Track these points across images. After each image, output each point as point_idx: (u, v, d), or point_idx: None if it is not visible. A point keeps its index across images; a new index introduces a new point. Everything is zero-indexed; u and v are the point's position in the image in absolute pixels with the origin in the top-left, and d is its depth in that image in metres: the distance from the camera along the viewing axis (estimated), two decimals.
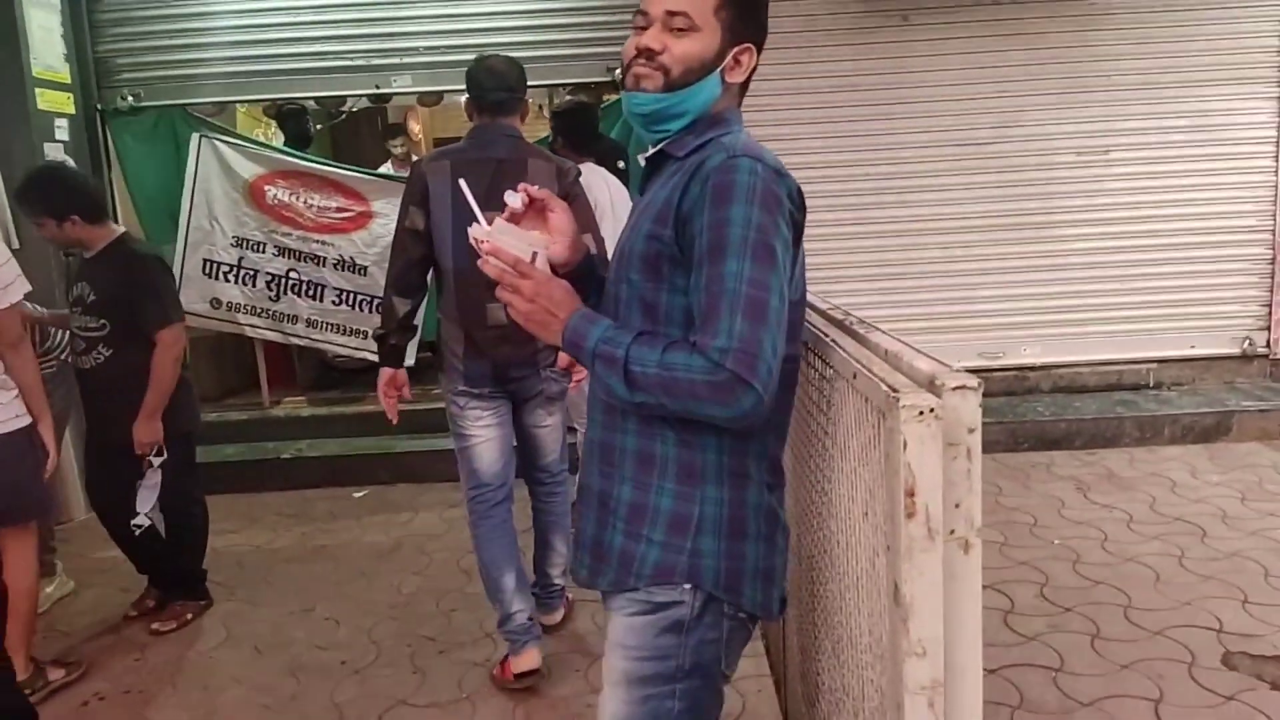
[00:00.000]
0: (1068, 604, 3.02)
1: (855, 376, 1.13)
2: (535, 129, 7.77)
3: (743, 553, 1.30)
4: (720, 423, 1.18)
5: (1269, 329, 5.11)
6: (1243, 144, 5.00)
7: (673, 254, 1.25)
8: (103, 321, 3.01)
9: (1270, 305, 5.10)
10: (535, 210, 1.43)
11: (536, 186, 1.41)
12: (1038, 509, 3.87)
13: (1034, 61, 4.93)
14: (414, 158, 6.81)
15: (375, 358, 5.06)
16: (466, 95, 2.83)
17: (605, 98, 4.97)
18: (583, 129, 3.82)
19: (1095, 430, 4.67)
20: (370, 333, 3.18)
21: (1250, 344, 5.12)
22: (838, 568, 1.35)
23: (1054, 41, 4.91)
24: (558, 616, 3.09)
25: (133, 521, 3.08)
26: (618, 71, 4.85)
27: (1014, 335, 5.09)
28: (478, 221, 1.34)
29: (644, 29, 1.31)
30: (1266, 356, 5.13)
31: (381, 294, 4.97)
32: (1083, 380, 5.11)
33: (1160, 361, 5.11)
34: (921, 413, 0.89)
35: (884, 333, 1.23)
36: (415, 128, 8.08)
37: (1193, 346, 5.12)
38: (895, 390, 0.94)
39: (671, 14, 1.28)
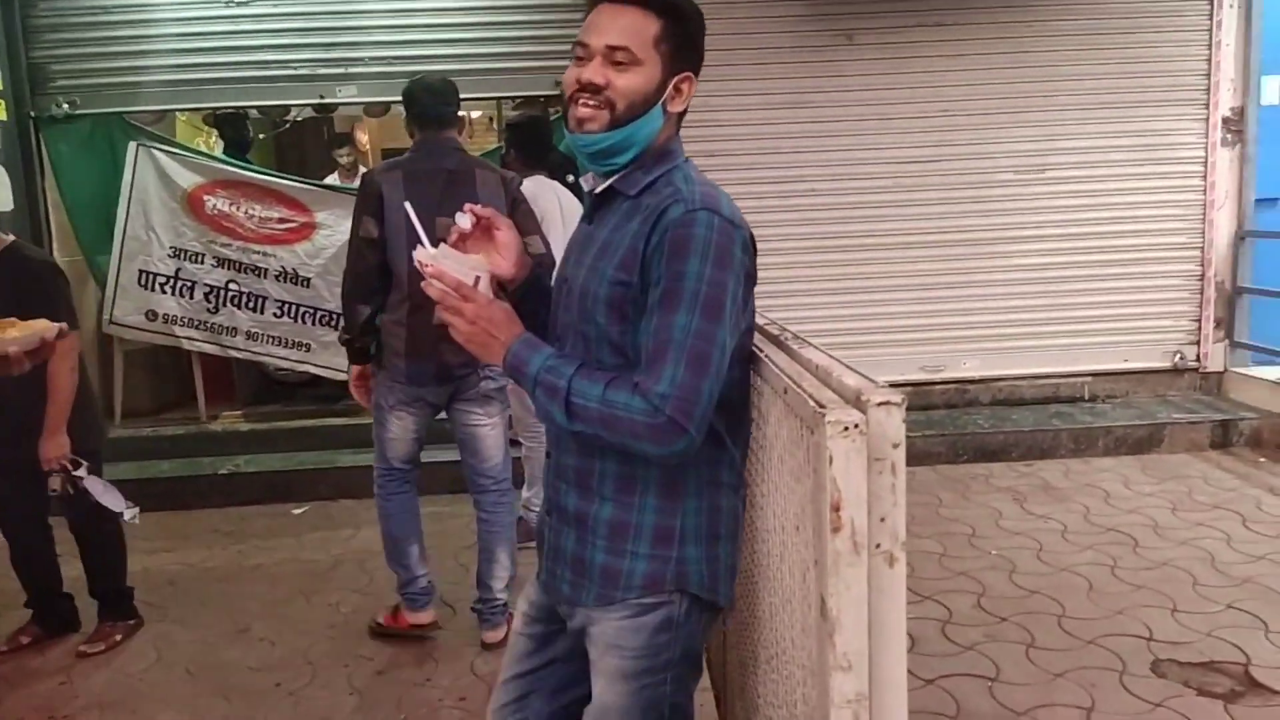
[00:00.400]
0: (1004, 614, 3.07)
1: (786, 392, 1.14)
2: (485, 141, 7.76)
3: (717, 554, 1.39)
4: (651, 458, 1.26)
5: (1198, 344, 5.28)
6: (1174, 163, 5.18)
7: (638, 300, 1.29)
8: None
9: (1200, 320, 5.27)
10: (482, 228, 1.47)
11: (484, 197, 1.44)
12: (976, 520, 3.93)
13: (975, 81, 5.06)
14: (361, 168, 6.75)
15: (317, 370, 5.07)
16: (406, 114, 3.01)
17: (553, 110, 4.97)
18: (535, 141, 3.84)
19: (1032, 442, 4.77)
20: (337, 338, 3.27)
21: (1181, 358, 5.29)
22: (771, 582, 1.37)
23: (995, 62, 5.05)
24: (500, 634, 3.03)
25: (125, 518, 3.01)
26: None
27: (954, 349, 5.19)
28: (421, 244, 1.36)
29: (584, 60, 1.32)
30: (1196, 370, 5.30)
31: (324, 305, 5.01)
32: (1020, 393, 5.22)
33: (1095, 375, 5.25)
34: (846, 428, 0.90)
35: (816, 348, 1.25)
36: (362, 138, 7.99)
37: (1126, 360, 5.27)
38: (821, 406, 0.95)
39: (613, 49, 1.30)
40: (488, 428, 3.07)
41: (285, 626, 3.26)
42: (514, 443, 4.40)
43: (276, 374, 5.56)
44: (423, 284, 1.32)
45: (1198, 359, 5.29)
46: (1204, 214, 5.22)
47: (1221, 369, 5.28)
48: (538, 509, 3.84)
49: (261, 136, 6.77)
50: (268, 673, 2.94)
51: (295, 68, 4.95)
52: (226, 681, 2.89)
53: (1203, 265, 5.24)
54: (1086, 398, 5.23)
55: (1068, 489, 4.31)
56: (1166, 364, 5.30)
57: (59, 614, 3.22)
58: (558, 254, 3.62)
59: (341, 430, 5.04)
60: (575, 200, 3.80)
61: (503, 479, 3.14)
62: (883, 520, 0.94)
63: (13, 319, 1.29)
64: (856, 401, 0.96)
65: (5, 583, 3.52)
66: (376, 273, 2.81)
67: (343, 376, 5.12)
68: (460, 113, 3.06)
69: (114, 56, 4.86)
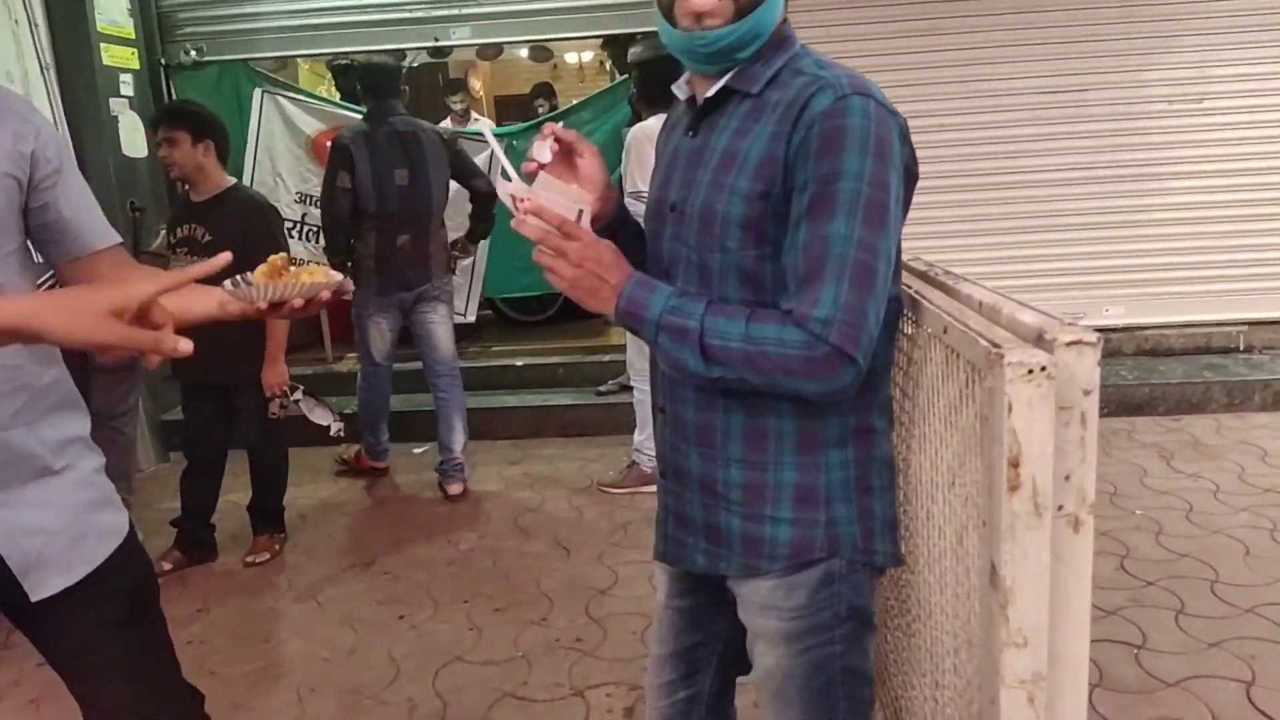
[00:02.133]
0: (1150, 577, 2.87)
1: (946, 331, 1.01)
2: (597, 84, 7.64)
3: (871, 510, 1.22)
4: (810, 396, 1.09)
5: None
6: None
7: (780, 213, 1.11)
8: None
9: None
10: (562, 154, 1.27)
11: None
12: (1119, 477, 3.68)
13: (1127, 4, 4.62)
14: (474, 115, 6.76)
15: None
16: (359, 87, 4.05)
17: None
18: (661, 80, 3.71)
19: (1181, 395, 4.43)
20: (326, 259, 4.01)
21: None
22: (915, 541, 1.24)
23: None
24: (459, 487, 3.96)
25: (331, 432, 3.55)
26: None
27: (1096, 295, 4.84)
28: (507, 177, 1.20)
29: None
30: None
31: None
32: (1169, 343, 4.85)
33: (1251, 324, 4.82)
34: (1031, 371, 0.78)
35: (975, 284, 1.11)
36: (476, 84, 8.00)
37: None
38: (997, 345, 0.83)
39: None
40: (438, 324, 3.99)
41: (407, 562, 3.34)
42: (625, 388, 4.39)
43: None
44: (513, 222, 1.14)
45: None
46: None
47: None
48: (650, 453, 3.80)
49: None
50: (392, 605, 3.02)
51: (411, 10, 4.95)
52: (353, 613, 2.98)
53: None
54: (1241, 348, 4.81)
55: (1220, 446, 3.99)
56: None
57: (201, 541, 3.39)
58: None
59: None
60: None
61: (454, 367, 4.07)
62: (1067, 479, 0.82)
63: (311, 265, 1.27)
64: (1039, 341, 0.84)
65: (145, 513, 3.73)
66: (350, 214, 3.73)
67: (461, 319, 5.21)
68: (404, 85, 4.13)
69: (237, 3, 4.95)
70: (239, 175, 4.96)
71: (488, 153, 5.00)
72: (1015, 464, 0.79)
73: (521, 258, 5.03)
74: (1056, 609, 0.83)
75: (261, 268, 1.25)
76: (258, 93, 4.93)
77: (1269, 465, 3.74)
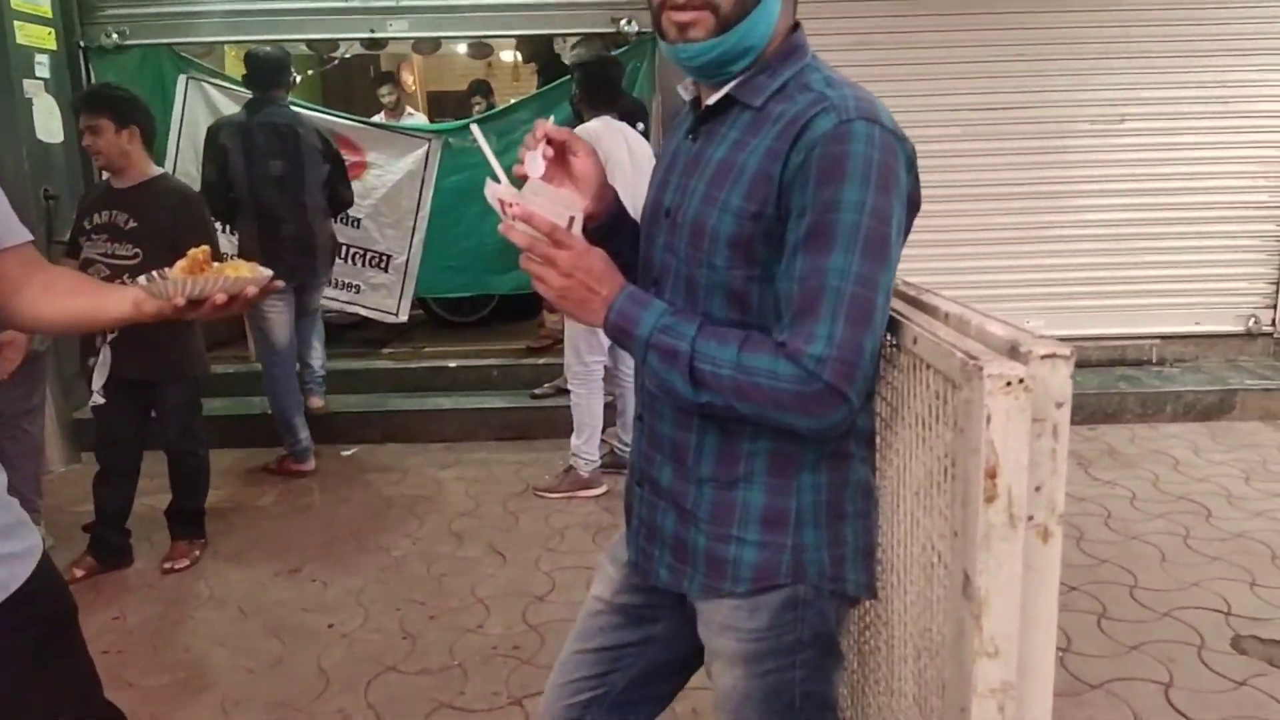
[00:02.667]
0: (1074, 582, 2.96)
1: (915, 341, 1.02)
2: (531, 83, 7.59)
3: (843, 536, 1.17)
4: (799, 431, 1.06)
5: (1275, 307, 5.04)
6: (1258, 117, 4.88)
7: (772, 235, 1.06)
8: (137, 251, 2.97)
9: (1277, 283, 5.02)
10: (554, 155, 1.21)
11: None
12: None
13: (1051, 25, 4.79)
14: (407, 108, 6.64)
15: (366, 312, 5.05)
16: (244, 78, 4.12)
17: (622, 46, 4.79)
18: (602, 82, 3.72)
19: (1097, 405, 4.61)
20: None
21: (1255, 322, 5.05)
22: (883, 551, 1.24)
23: (1072, 3, 4.76)
24: (321, 401, 4.47)
25: (92, 403, 3.18)
26: (624, 22, 4.69)
27: (1017, 307, 4.99)
28: (494, 179, 1.14)
29: None
30: (1271, 335, 5.07)
31: (374, 246, 4.97)
32: (1085, 354, 5.02)
33: (1164, 337, 5.04)
34: (1009, 383, 0.79)
35: (940, 295, 1.12)
36: (409, 79, 7.86)
37: (1198, 323, 5.05)
38: (974, 358, 0.84)
39: None
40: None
41: (336, 568, 3.24)
42: (561, 390, 4.34)
43: (326, 315, 5.52)
44: (501, 227, 1.09)
45: (1273, 323, 5.05)
46: None
47: None
48: (587, 457, 3.78)
49: (310, 73, 6.66)
50: (320, 613, 2.92)
51: (345, 0, 4.83)
52: (279, 621, 2.88)
53: None
54: (1154, 361, 5.03)
55: (1134, 455, 4.15)
56: (1240, 328, 5.06)
57: (116, 546, 3.24)
58: (627, 203, 3.64)
59: (389, 374, 5.02)
60: (645, 144, 3.71)
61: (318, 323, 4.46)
62: (1038, 489, 0.83)
63: (236, 260, 1.19)
64: (1013, 353, 0.85)
65: (58, 516, 3.55)
66: (227, 203, 3.84)
67: (393, 319, 5.10)
68: (293, 78, 4.30)
69: None
70: (160, 163, 4.77)
71: (419, 153, 4.91)
72: (992, 475, 0.80)
73: (456, 257, 5.06)
74: (1026, 619, 0.84)
75: (181, 262, 1.18)
76: (182, 79, 4.75)
77: (1180, 474, 3.90)
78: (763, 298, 1.09)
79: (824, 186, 1.01)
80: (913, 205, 1.12)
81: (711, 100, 1.15)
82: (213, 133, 3.88)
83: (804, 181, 1.03)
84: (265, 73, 3.95)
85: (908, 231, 1.12)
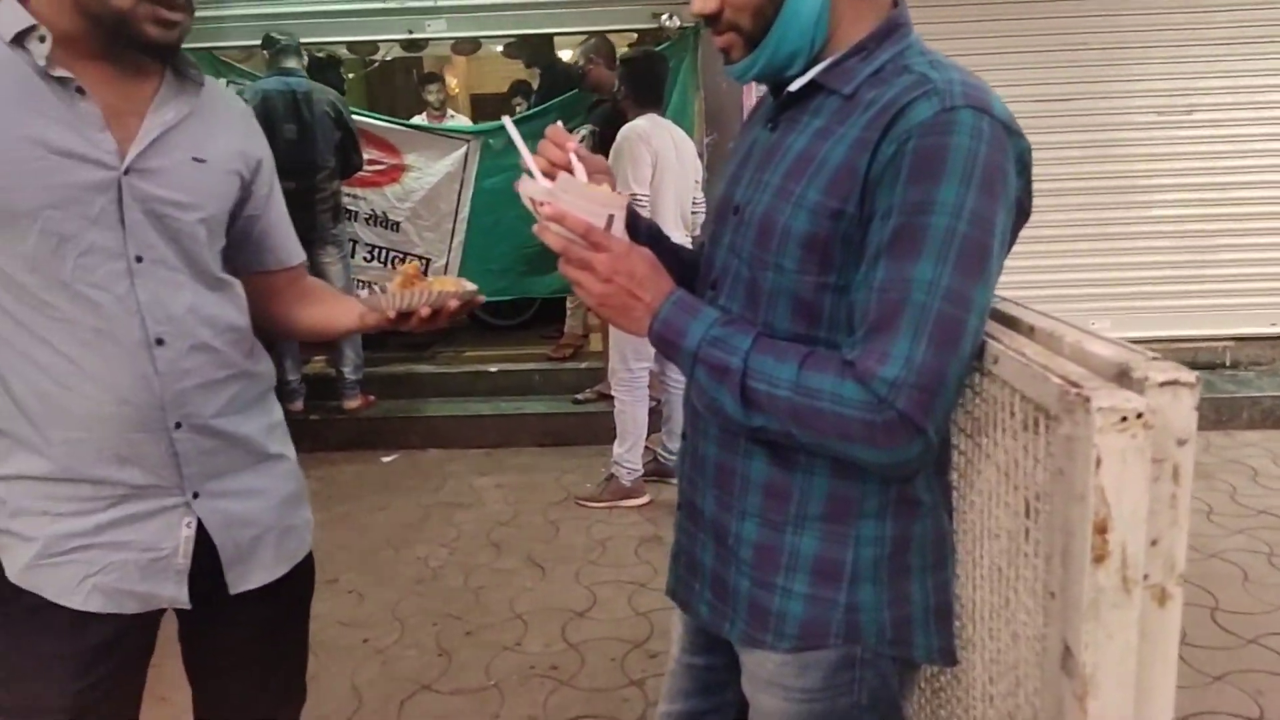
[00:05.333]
0: None
1: (996, 361, 0.88)
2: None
3: (907, 594, 1.01)
4: (867, 467, 0.92)
5: None
6: None
7: (852, 239, 0.93)
8: None
9: None
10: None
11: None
12: None
13: (1119, 11, 4.56)
14: (449, 110, 6.58)
15: None
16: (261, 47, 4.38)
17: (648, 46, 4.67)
18: (648, 79, 3.61)
19: None
20: None
21: None
22: (960, 607, 1.06)
23: None
24: (356, 402, 4.64)
25: None
26: (664, 17, 4.57)
27: (1082, 309, 4.75)
28: (529, 174, 1.04)
29: None
30: None
31: (413, 249, 4.90)
32: None
33: (1239, 339, 4.77)
34: (1125, 419, 0.64)
35: (1023, 305, 0.97)
36: (452, 81, 7.82)
37: (1274, 324, 4.77)
38: (1077, 385, 0.70)
39: None
40: (329, 264, 4.40)
41: (373, 579, 3.16)
42: (604, 396, 4.23)
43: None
44: (535, 228, 0.99)
45: None
46: None
47: None
48: (630, 466, 3.68)
49: (350, 76, 6.64)
50: (356, 628, 2.84)
51: (385, 1, 4.77)
52: (314, 636, 2.73)
53: None
54: (1229, 365, 4.76)
55: (1210, 465, 3.91)
56: None
57: None
58: (668, 203, 3.56)
59: (431, 378, 4.96)
60: (690, 143, 3.63)
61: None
62: (1155, 544, 0.69)
63: (445, 276, 1.27)
64: (1123, 379, 0.70)
65: None
66: None
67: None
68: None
69: None
70: None
71: (458, 154, 4.84)
72: (1103, 530, 0.66)
73: (496, 260, 4.97)
74: (1139, 698, 0.70)
75: (397, 277, 1.27)
76: (222, 83, 4.73)
77: (1260, 485, 3.66)
78: (835, 310, 0.95)
79: (916, 184, 0.87)
80: (1022, 213, 0.96)
81: (795, 86, 1.01)
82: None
83: (894, 177, 0.88)
84: (278, 46, 4.37)
85: (1012, 243, 0.95)
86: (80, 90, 1.09)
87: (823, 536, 1.00)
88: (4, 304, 1.10)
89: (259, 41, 4.93)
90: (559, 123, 1.12)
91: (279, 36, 4.38)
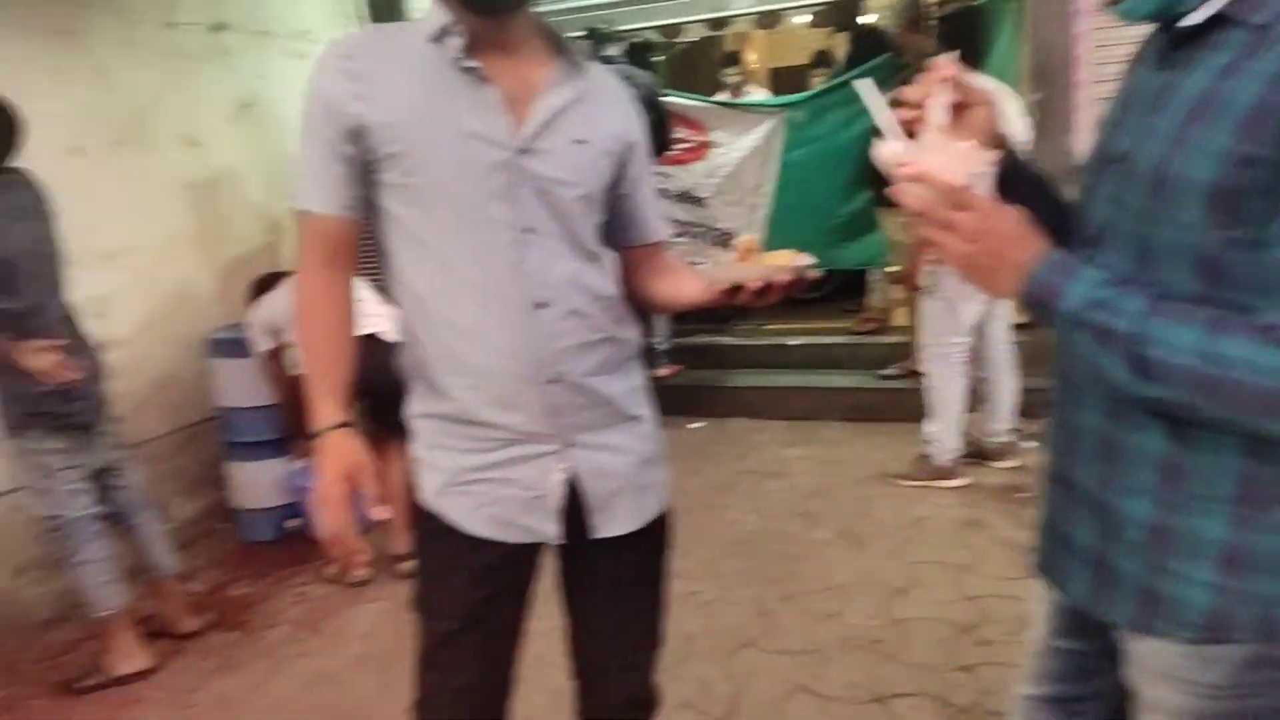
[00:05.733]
0: None
1: None
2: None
3: None
4: None
5: None
6: None
7: (1273, 189, 0.81)
8: None
9: None
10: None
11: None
12: None
13: None
14: (748, 88, 6.63)
15: None
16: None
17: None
18: (972, 38, 3.48)
19: None
20: None
21: None
22: None
23: None
24: (664, 370, 4.76)
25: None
26: None
27: None
28: (888, 137, 1.00)
29: None
30: None
31: (718, 224, 5.01)
32: None
33: None
34: None
35: None
36: (752, 57, 7.89)
37: None
38: None
39: None
40: None
41: (692, 538, 3.28)
42: (912, 372, 4.09)
43: None
44: (892, 190, 0.96)
45: None
46: None
47: None
48: (949, 446, 3.55)
49: (659, 58, 6.91)
50: (680, 580, 2.97)
51: None
52: None
53: None
54: None
55: None
56: None
57: None
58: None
59: (735, 349, 5.07)
60: (1014, 101, 3.42)
61: None
62: None
63: (780, 251, 1.34)
64: None
65: None
66: None
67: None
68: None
69: None
70: None
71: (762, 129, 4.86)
72: None
73: (799, 232, 4.94)
74: None
75: (735, 251, 1.31)
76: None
77: None
78: (1245, 269, 0.84)
79: None
80: None
81: (1192, 21, 0.88)
82: None
83: None
84: (600, 35, 4.52)
85: None
86: (485, 79, 1.24)
87: (1233, 521, 0.90)
88: (421, 268, 1.28)
89: (584, 32, 5.28)
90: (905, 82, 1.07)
91: (600, 26, 4.64)
